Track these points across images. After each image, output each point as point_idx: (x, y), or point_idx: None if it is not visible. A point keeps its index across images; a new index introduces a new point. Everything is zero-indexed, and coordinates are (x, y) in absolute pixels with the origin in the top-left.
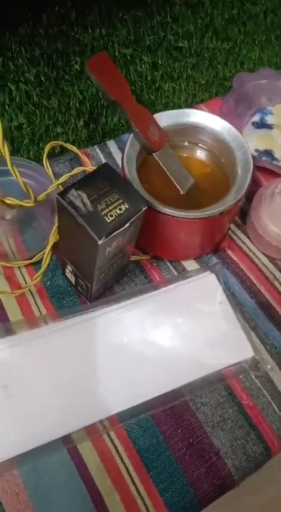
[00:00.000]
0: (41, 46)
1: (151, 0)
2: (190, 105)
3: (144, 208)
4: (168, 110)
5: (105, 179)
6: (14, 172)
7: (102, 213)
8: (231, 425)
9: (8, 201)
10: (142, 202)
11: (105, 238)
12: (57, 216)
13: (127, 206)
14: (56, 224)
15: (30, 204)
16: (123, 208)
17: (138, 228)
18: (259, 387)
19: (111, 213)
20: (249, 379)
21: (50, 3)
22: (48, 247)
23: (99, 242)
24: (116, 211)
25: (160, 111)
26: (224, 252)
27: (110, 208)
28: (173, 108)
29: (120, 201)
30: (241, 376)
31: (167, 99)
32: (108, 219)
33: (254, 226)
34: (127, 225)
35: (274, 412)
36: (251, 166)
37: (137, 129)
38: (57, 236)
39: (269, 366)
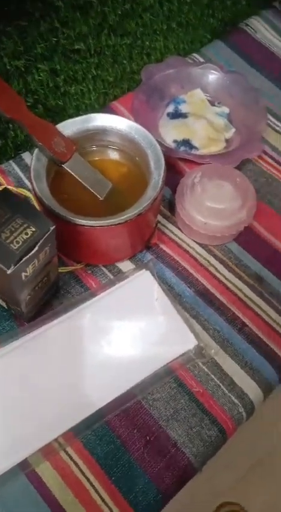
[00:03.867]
0: None
1: (32, 9)
2: (103, 104)
3: (52, 228)
4: (81, 112)
5: (6, 206)
6: None
7: (7, 241)
8: (185, 415)
9: None
10: (47, 222)
11: (15, 266)
12: None
13: (33, 229)
14: None
15: None
16: (30, 232)
17: (54, 245)
18: (206, 373)
19: (17, 239)
20: (197, 367)
21: None
22: None
23: (9, 272)
24: (22, 237)
25: (72, 114)
26: (157, 247)
27: (15, 234)
28: (86, 109)
29: (25, 225)
30: (189, 365)
31: (77, 101)
32: (15, 246)
33: (180, 216)
34: (36, 248)
35: (224, 394)
36: (163, 163)
37: (40, 143)
38: None
39: (213, 351)
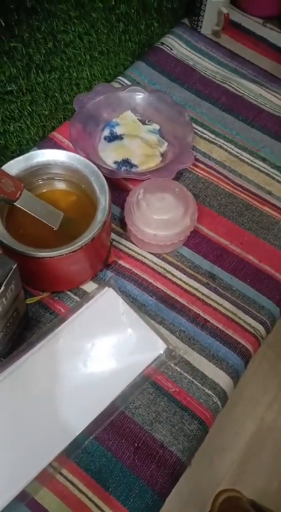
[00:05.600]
0: None
1: None
2: (43, 136)
3: (14, 267)
4: (23, 147)
5: None
6: None
7: None
8: (166, 415)
9: None
10: (9, 262)
11: None
12: None
13: None
14: None
15: None
16: None
17: (19, 280)
18: (179, 372)
19: None
20: (169, 369)
21: None
22: None
23: None
24: None
25: (15, 151)
26: (115, 264)
27: None
28: (28, 144)
29: None
30: (162, 369)
31: (18, 138)
32: None
33: (132, 232)
34: (2, 288)
35: (198, 389)
36: (107, 188)
37: None
38: None
39: (182, 351)
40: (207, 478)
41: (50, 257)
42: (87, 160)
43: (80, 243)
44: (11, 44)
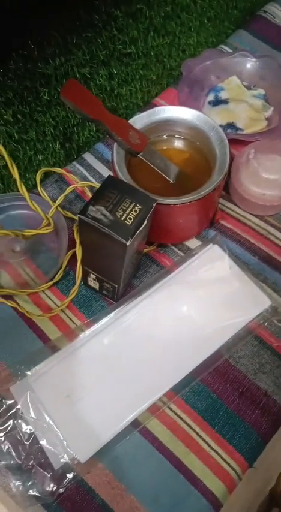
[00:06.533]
0: (13, 88)
1: (97, 20)
2: (147, 102)
3: (154, 204)
4: (128, 111)
5: (114, 189)
6: (34, 206)
7: (122, 218)
8: (269, 367)
9: (26, 233)
10: (150, 200)
11: (131, 238)
12: (78, 233)
13: (140, 207)
14: (77, 241)
15: (49, 230)
16: (138, 210)
17: (150, 223)
18: None
19: (130, 216)
20: (273, 325)
21: (13, 48)
22: (78, 263)
23: (128, 243)
24: (132, 214)
25: (122, 114)
26: (218, 224)
27: (127, 212)
28: (133, 108)
29: (133, 204)
30: (266, 324)
31: (126, 101)
32: (129, 222)
33: (238, 192)
34: (145, 222)
35: None
36: (226, 142)
37: (120, 138)
38: (75, 252)
39: None
40: (276, 453)
41: (174, 204)
42: (207, 117)
43: (202, 193)
44: (138, 5)
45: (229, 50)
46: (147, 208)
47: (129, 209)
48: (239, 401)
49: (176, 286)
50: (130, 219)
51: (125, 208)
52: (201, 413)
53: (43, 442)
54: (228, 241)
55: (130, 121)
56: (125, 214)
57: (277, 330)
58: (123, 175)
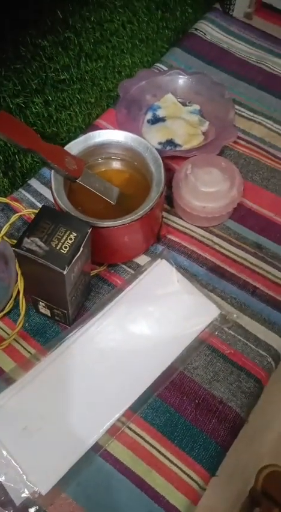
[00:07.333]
0: None
1: (25, 52)
2: (89, 124)
3: (89, 230)
4: (71, 134)
5: (48, 219)
6: None
7: (58, 247)
8: (223, 375)
9: None
10: (85, 226)
11: (68, 267)
12: (17, 264)
13: (75, 234)
14: (19, 271)
15: None
16: (73, 237)
17: (89, 247)
18: (233, 335)
19: (65, 244)
20: (224, 332)
21: None
22: (21, 294)
23: (65, 272)
24: (68, 242)
25: (64, 138)
26: (165, 238)
27: (62, 241)
28: (75, 131)
29: (68, 232)
30: (217, 333)
31: (67, 125)
32: (64, 250)
33: (180, 206)
34: (81, 249)
35: (252, 350)
36: (161, 162)
37: (56, 165)
38: (23, 281)
39: (235, 315)
40: (249, 454)
41: (113, 226)
42: (140, 138)
43: (140, 212)
44: (66, 34)
45: (165, 68)
46: (82, 235)
47: (64, 237)
48: (196, 412)
49: (127, 305)
50: (65, 247)
51: (60, 237)
52: (160, 429)
53: (2, 479)
54: (176, 254)
55: (66, 147)
56: (61, 243)
57: (228, 337)
58: (63, 202)
